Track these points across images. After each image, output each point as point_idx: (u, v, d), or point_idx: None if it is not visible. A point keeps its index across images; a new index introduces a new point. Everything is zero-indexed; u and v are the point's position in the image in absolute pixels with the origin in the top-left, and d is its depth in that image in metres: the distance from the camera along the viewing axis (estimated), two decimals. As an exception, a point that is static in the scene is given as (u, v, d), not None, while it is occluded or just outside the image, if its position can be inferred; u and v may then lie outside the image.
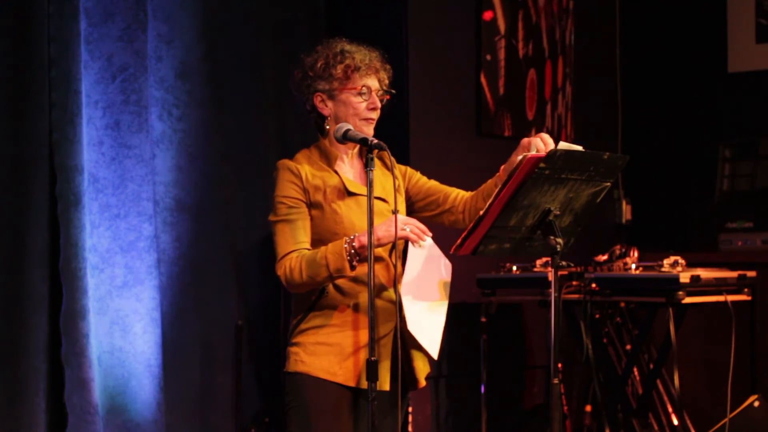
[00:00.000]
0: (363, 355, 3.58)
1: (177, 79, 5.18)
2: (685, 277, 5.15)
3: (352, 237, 3.52)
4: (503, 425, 6.06)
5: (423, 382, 3.74)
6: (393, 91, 3.70)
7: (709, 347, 6.11)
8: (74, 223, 4.70)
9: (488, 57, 6.18)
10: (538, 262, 5.66)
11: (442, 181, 6.16)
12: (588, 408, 6.01)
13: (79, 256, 4.70)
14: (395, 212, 3.54)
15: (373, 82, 3.66)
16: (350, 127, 3.58)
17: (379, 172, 3.67)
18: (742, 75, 6.80)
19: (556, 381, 3.73)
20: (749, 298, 5.50)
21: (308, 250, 3.59)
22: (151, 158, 4.96)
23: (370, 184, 3.47)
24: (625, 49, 7.09)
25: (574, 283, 5.45)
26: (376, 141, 3.51)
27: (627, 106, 7.08)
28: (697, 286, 5.22)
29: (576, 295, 5.45)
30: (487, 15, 6.18)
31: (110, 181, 4.85)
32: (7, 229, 4.65)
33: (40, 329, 4.68)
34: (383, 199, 3.69)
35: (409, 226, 3.56)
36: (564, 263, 3.73)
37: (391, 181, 3.71)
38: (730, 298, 5.35)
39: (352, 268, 3.52)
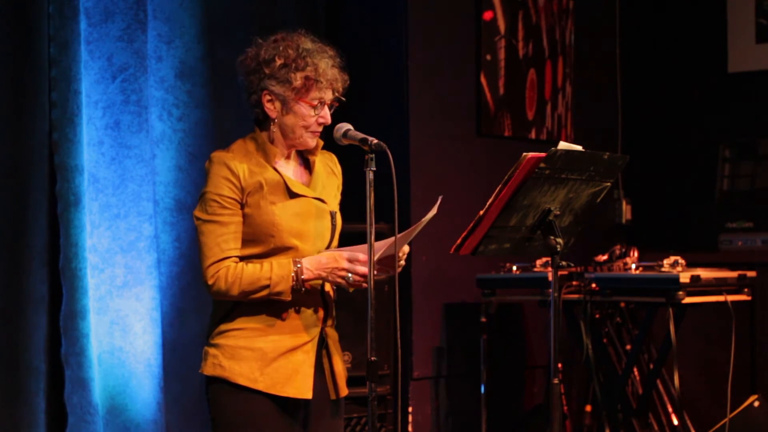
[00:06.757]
0: (285, 361, 3.42)
1: (177, 79, 5.18)
2: (685, 277, 5.15)
3: (299, 266, 3.37)
4: (503, 425, 6.06)
5: (346, 390, 3.57)
6: (343, 99, 3.49)
7: (709, 347, 6.11)
8: (74, 223, 4.70)
9: (488, 57, 6.18)
10: (538, 262, 5.66)
11: (443, 181, 6.16)
12: (588, 408, 6.00)
13: (79, 256, 4.70)
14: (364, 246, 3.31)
15: (328, 95, 3.45)
16: (350, 127, 3.45)
17: (321, 172, 3.55)
18: (742, 75, 6.79)
19: (556, 381, 3.73)
20: (749, 298, 5.49)
21: (237, 259, 3.40)
22: (151, 158, 4.96)
23: (369, 185, 3.36)
24: (625, 50, 7.09)
25: (574, 283, 5.45)
26: (376, 141, 3.36)
27: (627, 106, 7.07)
28: (697, 286, 5.21)
29: (576, 295, 5.44)
30: (487, 15, 6.17)
31: (110, 181, 4.86)
32: (7, 229, 4.65)
33: (40, 329, 4.69)
34: (322, 200, 3.52)
35: (351, 273, 3.38)
36: (564, 263, 3.73)
37: (334, 181, 3.58)
38: (730, 298, 5.35)
39: (290, 297, 3.39)
